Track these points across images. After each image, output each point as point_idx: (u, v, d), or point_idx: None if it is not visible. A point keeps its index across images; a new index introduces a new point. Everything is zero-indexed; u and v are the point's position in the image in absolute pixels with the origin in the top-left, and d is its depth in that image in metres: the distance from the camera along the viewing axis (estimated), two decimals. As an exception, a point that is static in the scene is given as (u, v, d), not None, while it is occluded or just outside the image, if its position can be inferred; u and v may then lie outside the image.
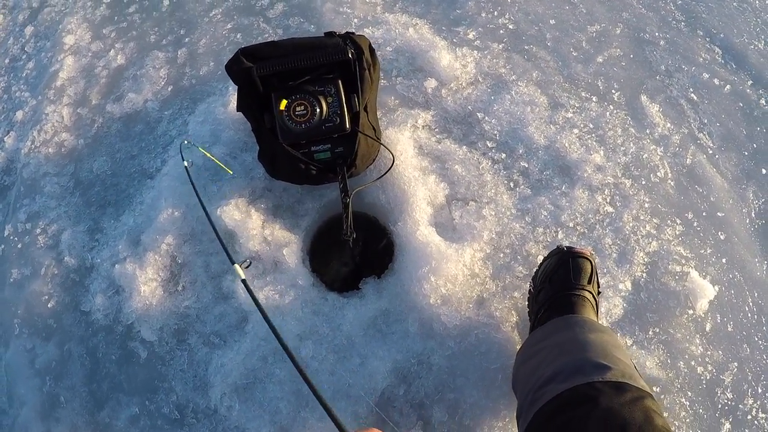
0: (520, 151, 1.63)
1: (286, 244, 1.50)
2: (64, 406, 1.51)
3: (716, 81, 1.81)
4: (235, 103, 1.51)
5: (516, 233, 1.52)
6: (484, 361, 1.37)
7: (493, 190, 1.57)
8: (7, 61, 2.31)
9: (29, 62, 2.23)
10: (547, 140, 1.64)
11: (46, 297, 1.65)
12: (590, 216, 1.55)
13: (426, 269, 1.40)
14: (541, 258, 1.48)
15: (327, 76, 1.44)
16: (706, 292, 1.46)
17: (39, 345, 1.60)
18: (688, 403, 1.37)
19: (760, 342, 1.44)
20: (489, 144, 1.64)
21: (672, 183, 1.62)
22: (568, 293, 1.23)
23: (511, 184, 1.58)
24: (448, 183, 1.57)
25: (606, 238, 1.53)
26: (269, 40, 1.59)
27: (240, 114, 1.60)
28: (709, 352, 1.42)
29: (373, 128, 1.52)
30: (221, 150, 1.65)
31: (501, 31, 1.88)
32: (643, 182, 1.61)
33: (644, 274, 1.50)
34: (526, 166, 1.61)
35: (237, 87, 1.49)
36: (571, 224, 1.54)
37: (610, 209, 1.56)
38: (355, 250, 1.51)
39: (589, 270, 1.26)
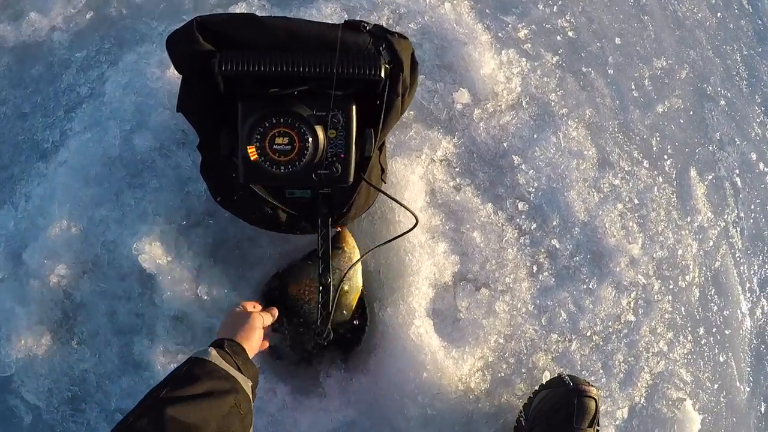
0: (554, 222, 1.25)
1: (227, 307, 1.02)
2: None
3: (761, 166, 1.54)
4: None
5: (527, 338, 1.19)
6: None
7: (512, 275, 1.19)
8: None
9: None
10: (587, 214, 1.28)
11: None
12: (610, 324, 1.27)
13: (413, 385, 1.03)
14: (546, 375, 1.19)
15: (335, 93, 0.89)
16: (693, 426, 1.33)
17: None
18: None
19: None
20: (519, 205, 1.23)
21: (696, 291, 1.39)
22: None
23: (535, 268, 1.22)
24: (460, 255, 1.16)
25: (618, 354, 1.28)
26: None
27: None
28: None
29: (382, 168, 1.03)
30: (147, 141, 1.06)
31: (558, 37, 1.40)
32: (671, 286, 1.35)
33: (642, 399, 1.30)
34: (557, 246, 1.24)
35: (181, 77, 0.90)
36: (588, 333, 1.25)
37: (631, 318, 1.29)
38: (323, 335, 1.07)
39: (593, 410, 1.11)
